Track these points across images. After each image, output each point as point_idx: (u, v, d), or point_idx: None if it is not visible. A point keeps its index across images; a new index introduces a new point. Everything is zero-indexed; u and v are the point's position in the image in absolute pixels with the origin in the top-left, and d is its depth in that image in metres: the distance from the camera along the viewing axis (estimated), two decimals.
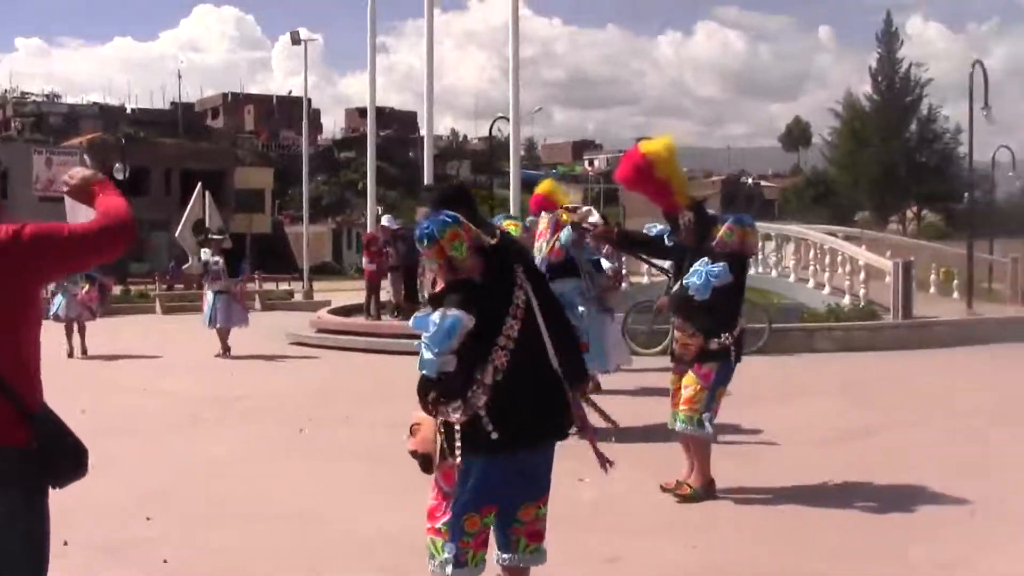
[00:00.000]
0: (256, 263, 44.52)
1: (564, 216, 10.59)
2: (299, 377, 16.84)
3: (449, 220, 4.61)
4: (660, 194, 8.54)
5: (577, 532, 6.97)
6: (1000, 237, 48.02)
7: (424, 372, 4.55)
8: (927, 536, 7.18)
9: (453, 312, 4.49)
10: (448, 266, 4.62)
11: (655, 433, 9.52)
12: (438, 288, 4.70)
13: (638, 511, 7.91)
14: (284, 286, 44.37)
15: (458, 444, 4.59)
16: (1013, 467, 9.26)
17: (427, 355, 4.51)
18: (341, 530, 7.42)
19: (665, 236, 8.79)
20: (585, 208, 10.91)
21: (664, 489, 8.19)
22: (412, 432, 4.76)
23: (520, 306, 4.71)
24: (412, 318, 4.68)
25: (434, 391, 4.57)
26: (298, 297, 38.18)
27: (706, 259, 8.02)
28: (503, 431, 4.59)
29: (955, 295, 27.66)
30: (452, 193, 5.12)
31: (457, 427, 4.58)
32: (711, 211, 8.89)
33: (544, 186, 12.37)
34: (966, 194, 40.02)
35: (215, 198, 39.20)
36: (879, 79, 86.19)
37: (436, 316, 4.50)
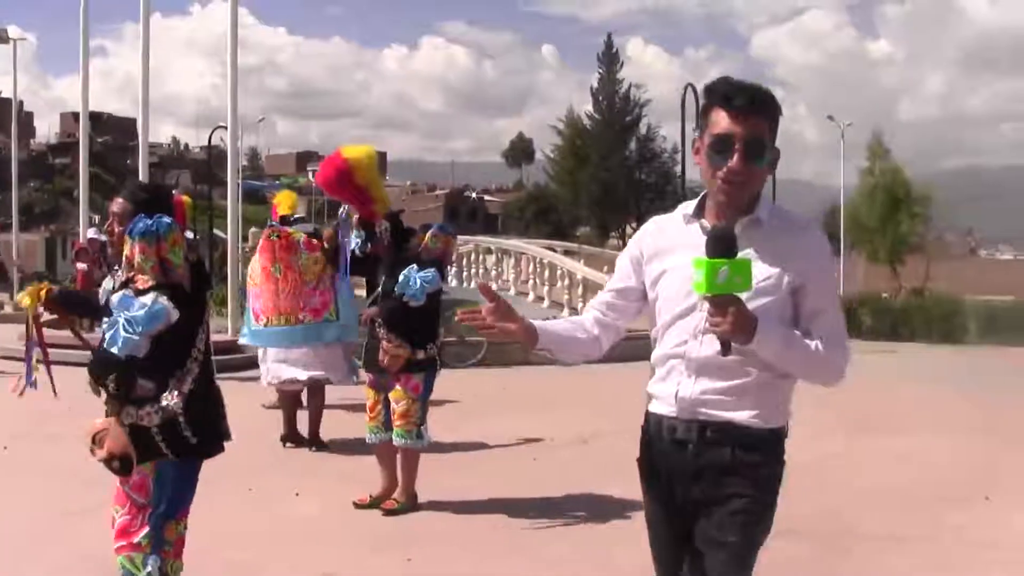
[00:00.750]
0: None
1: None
2: (4, 392, 16.04)
3: (172, 224, 4.61)
4: (358, 201, 8.55)
5: (293, 547, 6.92)
6: None
7: (115, 350, 4.41)
8: (632, 539, 7.35)
9: (165, 301, 4.45)
10: (160, 267, 4.55)
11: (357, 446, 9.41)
12: (141, 284, 4.54)
13: (353, 525, 7.84)
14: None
15: (162, 446, 4.56)
16: None
17: (126, 334, 4.40)
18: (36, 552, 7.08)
19: (357, 247, 8.80)
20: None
21: (358, 505, 8.16)
22: (97, 440, 4.54)
23: (207, 321, 4.84)
24: (117, 296, 4.55)
25: (116, 372, 4.45)
26: (8, 309, 36.46)
27: (413, 266, 8.04)
28: (199, 436, 4.63)
29: None
30: (164, 197, 5.04)
31: (155, 430, 4.54)
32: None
33: (283, 198, 12.12)
34: None
35: None
36: (600, 98, 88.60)
37: (148, 299, 4.44)
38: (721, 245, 3.10)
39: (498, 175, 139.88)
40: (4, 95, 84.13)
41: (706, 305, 3.18)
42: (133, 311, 4.41)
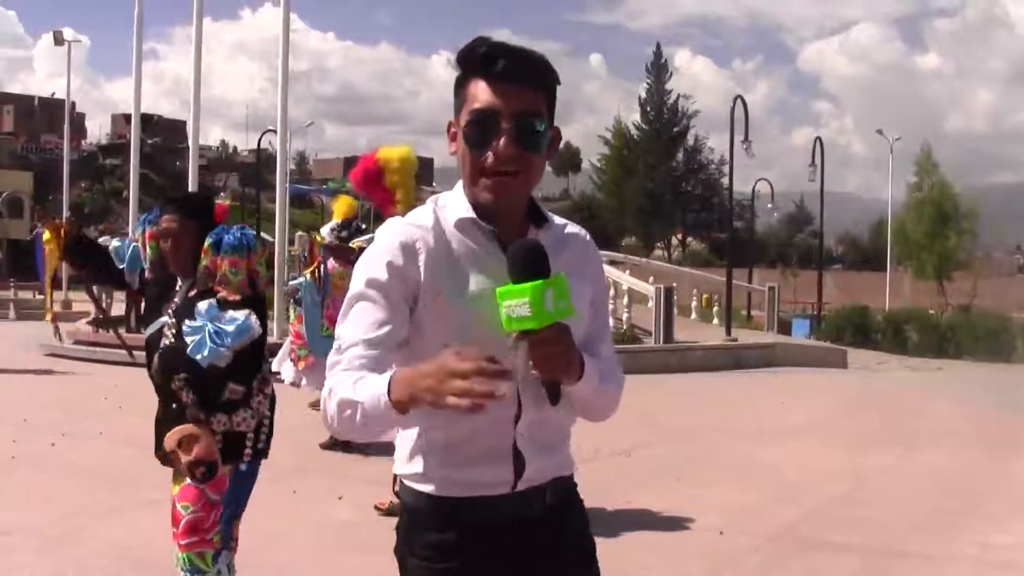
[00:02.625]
0: (11, 271, 42.80)
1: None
2: (52, 389, 16.24)
3: (257, 237, 4.76)
4: (385, 202, 8.56)
5: (335, 552, 7.00)
6: (758, 266, 49.86)
7: (199, 357, 4.48)
8: (665, 553, 7.35)
9: (254, 320, 4.59)
10: (247, 280, 4.69)
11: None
12: (229, 296, 4.63)
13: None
14: (41, 295, 42.80)
15: (249, 450, 4.70)
16: (739, 475, 9.63)
17: (213, 344, 4.48)
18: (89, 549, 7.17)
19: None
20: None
21: (379, 510, 8.14)
22: (184, 445, 4.58)
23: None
24: (204, 304, 4.61)
25: (185, 375, 4.54)
26: (56, 307, 36.86)
27: None
28: (269, 440, 4.83)
29: (715, 321, 28.55)
30: (200, 203, 5.17)
31: (251, 433, 4.69)
32: None
33: (343, 203, 12.22)
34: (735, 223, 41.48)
35: None
36: (648, 109, 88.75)
37: (239, 314, 4.55)
38: (535, 262, 2.38)
39: (545, 184, 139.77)
40: (57, 96, 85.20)
41: (520, 347, 2.38)
42: (223, 323, 4.51)
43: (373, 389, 2.34)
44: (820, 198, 38.44)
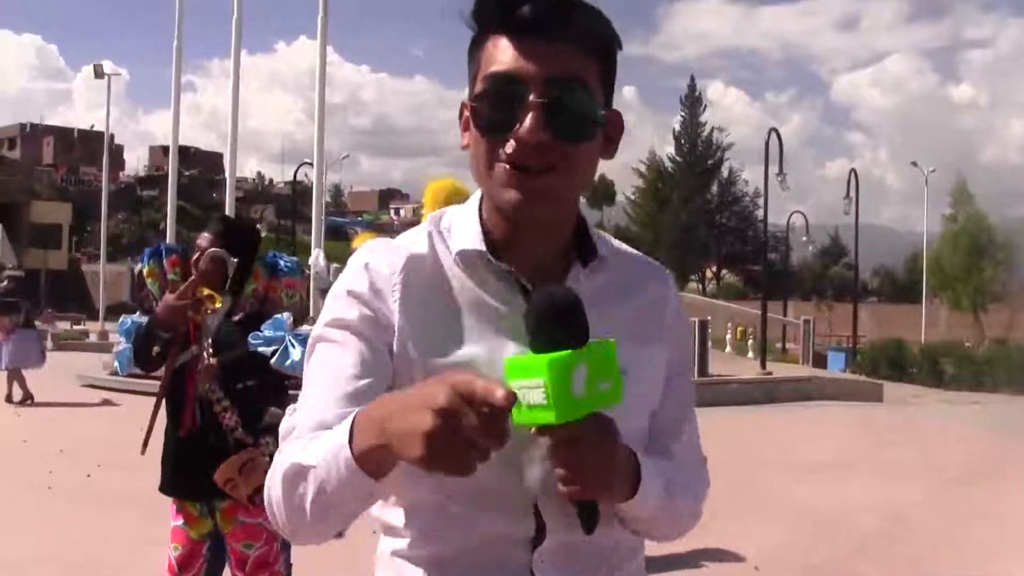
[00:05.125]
0: (50, 301, 43.12)
1: None
2: (88, 420, 16.34)
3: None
4: None
5: None
6: (793, 299, 49.67)
7: (288, 363, 4.50)
8: None
9: None
10: (301, 303, 4.84)
11: None
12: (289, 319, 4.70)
13: None
14: (79, 326, 43.07)
15: None
16: (765, 506, 9.54)
17: (301, 348, 4.43)
18: None
19: None
20: None
21: None
22: (245, 472, 4.55)
23: None
24: (286, 315, 4.68)
25: (248, 384, 4.61)
26: (93, 338, 37.09)
27: None
28: None
29: (750, 354, 28.42)
30: (252, 231, 5.27)
31: None
32: None
33: (361, 239, 12.28)
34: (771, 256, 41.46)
35: (8, 232, 37.89)
36: (682, 141, 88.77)
37: (307, 327, 4.53)
38: (563, 321, 1.54)
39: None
40: (96, 128, 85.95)
41: (542, 443, 1.57)
42: (303, 332, 4.49)
43: (329, 443, 1.59)
44: (855, 230, 38.34)
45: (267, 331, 4.54)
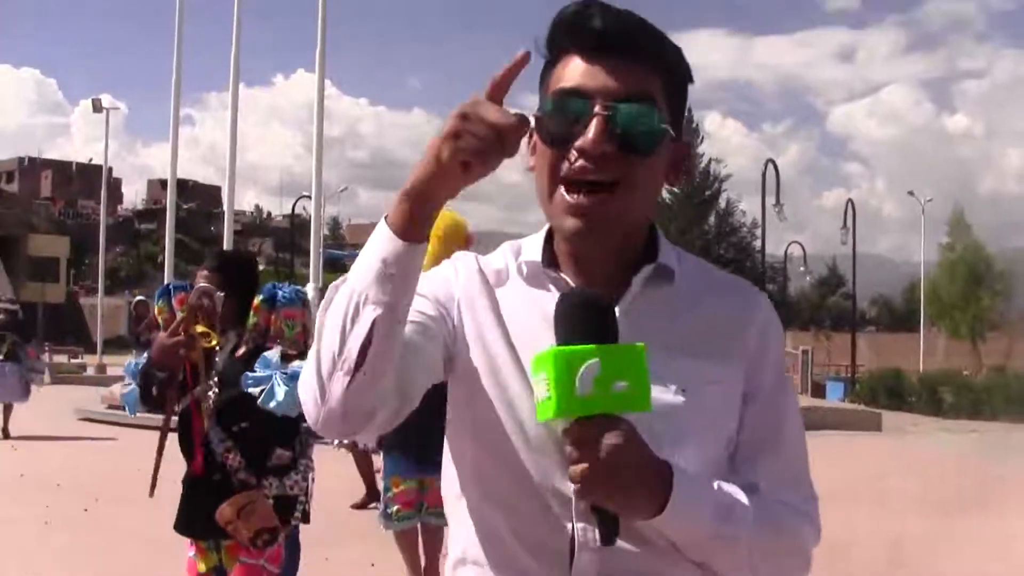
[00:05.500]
0: (48, 335, 43.11)
1: None
2: (85, 454, 16.28)
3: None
4: None
5: None
6: (791, 329, 49.66)
7: (273, 405, 4.44)
8: None
9: None
10: (303, 334, 4.72)
11: None
12: (291, 351, 4.67)
13: None
14: (76, 360, 43.01)
15: (298, 515, 4.75)
16: None
17: (287, 387, 4.40)
18: None
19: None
20: None
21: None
22: (244, 515, 4.53)
23: None
24: (275, 351, 4.60)
25: (245, 425, 4.60)
26: (91, 371, 37.03)
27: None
28: (308, 503, 4.85)
29: None
30: (250, 265, 5.27)
31: (302, 497, 4.73)
32: None
33: None
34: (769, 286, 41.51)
35: (5, 265, 37.90)
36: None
37: (300, 363, 4.47)
38: (582, 319, 1.55)
39: None
40: (94, 162, 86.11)
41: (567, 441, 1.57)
42: (292, 369, 4.44)
43: (364, 251, 1.63)
44: (852, 260, 38.40)
45: (258, 370, 4.51)
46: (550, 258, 1.85)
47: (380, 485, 7.93)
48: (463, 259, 1.93)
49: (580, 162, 1.68)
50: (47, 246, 74.82)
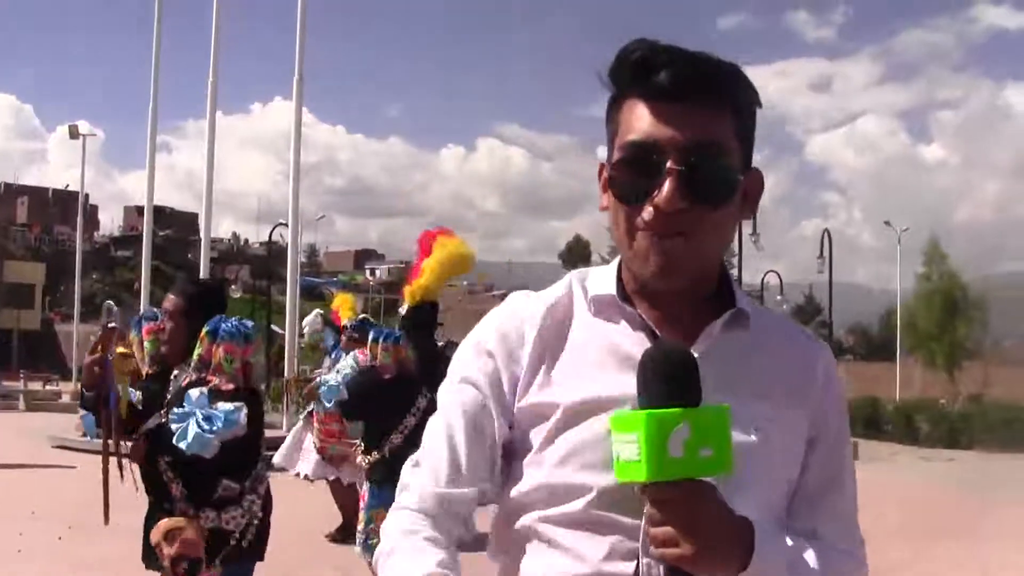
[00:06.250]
0: (23, 361, 42.88)
1: None
2: (59, 482, 16.17)
3: (257, 328, 4.80)
4: (412, 273, 8.62)
5: None
6: None
7: (183, 445, 4.37)
8: None
9: (243, 416, 4.44)
10: (243, 370, 4.61)
11: None
12: (223, 385, 4.58)
13: None
14: (51, 386, 42.79)
15: (238, 550, 4.60)
16: None
17: (198, 430, 4.35)
18: None
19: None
20: None
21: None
22: (169, 539, 4.53)
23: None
24: (196, 392, 4.51)
25: (169, 460, 4.52)
26: (66, 398, 36.83)
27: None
28: (264, 537, 4.73)
29: None
30: (216, 293, 5.20)
31: (236, 532, 4.57)
32: None
33: (337, 301, 12.28)
34: None
35: None
36: None
37: (229, 405, 4.43)
38: (671, 378, 1.51)
39: (555, 276, 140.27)
40: (71, 188, 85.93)
41: (646, 502, 1.55)
42: (216, 415, 4.40)
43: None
44: (829, 289, 38.52)
45: (186, 406, 4.48)
46: (622, 293, 1.80)
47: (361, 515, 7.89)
48: (524, 307, 1.87)
49: (655, 218, 1.67)
50: (23, 272, 74.59)
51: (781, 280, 48.28)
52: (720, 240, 1.76)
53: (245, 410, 4.47)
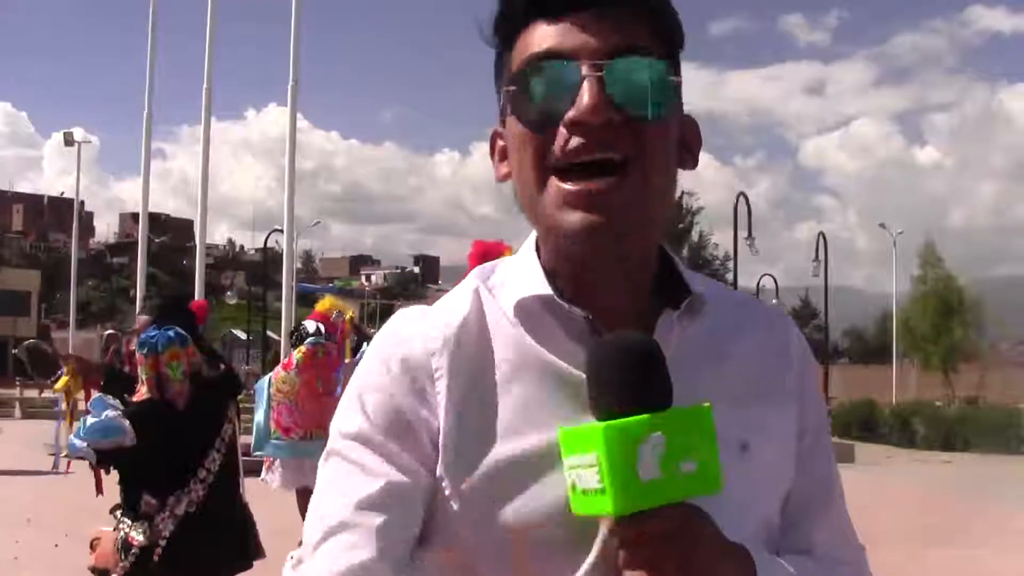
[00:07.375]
0: (17, 369, 42.82)
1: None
2: (56, 489, 16.14)
3: (174, 338, 4.57)
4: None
5: None
6: None
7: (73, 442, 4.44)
8: None
9: (126, 425, 4.38)
10: (155, 381, 4.54)
11: None
12: (137, 396, 4.61)
13: None
14: (48, 393, 42.72)
15: (125, 564, 4.53)
16: None
17: (74, 437, 4.45)
18: None
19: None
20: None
21: None
22: (92, 546, 4.60)
23: (226, 440, 4.75)
24: (95, 398, 4.58)
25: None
26: (61, 406, 36.75)
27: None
28: (174, 566, 4.50)
29: None
30: (172, 305, 5.14)
31: (136, 549, 4.49)
32: None
33: (324, 303, 12.20)
34: None
35: None
36: None
37: (112, 413, 4.42)
38: (632, 377, 1.16)
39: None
40: (66, 195, 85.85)
41: (612, 539, 1.20)
42: (95, 418, 4.40)
43: None
44: (825, 293, 38.53)
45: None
46: (559, 291, 1.35)
47: None
48: (421, 331, 1.39)
49: (575, 140, 1.27)
50: (18, 280, 74.40)
51: (777, 284, 48.29)
52: (663, 179, 1.33)
53: (127, 421, 4.41)
